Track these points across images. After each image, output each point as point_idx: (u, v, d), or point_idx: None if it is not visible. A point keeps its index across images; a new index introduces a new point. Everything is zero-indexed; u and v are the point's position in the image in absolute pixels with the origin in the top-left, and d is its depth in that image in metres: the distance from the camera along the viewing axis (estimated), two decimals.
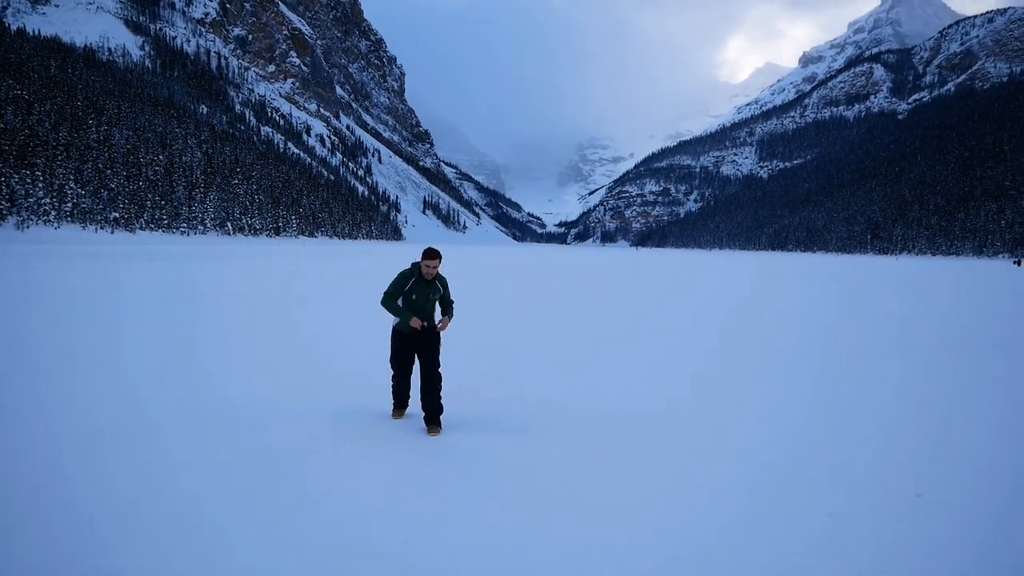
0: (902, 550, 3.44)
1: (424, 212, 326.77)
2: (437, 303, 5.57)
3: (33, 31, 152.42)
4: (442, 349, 5.56)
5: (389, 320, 5.75)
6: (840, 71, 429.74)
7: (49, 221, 60.02)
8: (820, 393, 7.17)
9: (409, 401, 5.80)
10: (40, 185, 59.62)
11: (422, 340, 5.42)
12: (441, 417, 5.41)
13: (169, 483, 4.07)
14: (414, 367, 5.57)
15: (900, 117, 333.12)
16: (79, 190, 65.28)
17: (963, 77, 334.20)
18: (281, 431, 5.18)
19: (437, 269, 5.38)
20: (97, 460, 4.38)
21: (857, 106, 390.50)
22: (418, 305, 5.36)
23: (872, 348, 10.32)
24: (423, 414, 5.44)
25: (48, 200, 60.30)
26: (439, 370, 5.44)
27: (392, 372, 5.61)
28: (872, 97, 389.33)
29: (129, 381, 6.80)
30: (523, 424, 5.61)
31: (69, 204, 63.37)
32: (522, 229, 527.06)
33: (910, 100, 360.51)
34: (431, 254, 5.33)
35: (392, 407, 5.78)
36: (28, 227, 56.43)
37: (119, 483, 4.02)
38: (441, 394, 5.41)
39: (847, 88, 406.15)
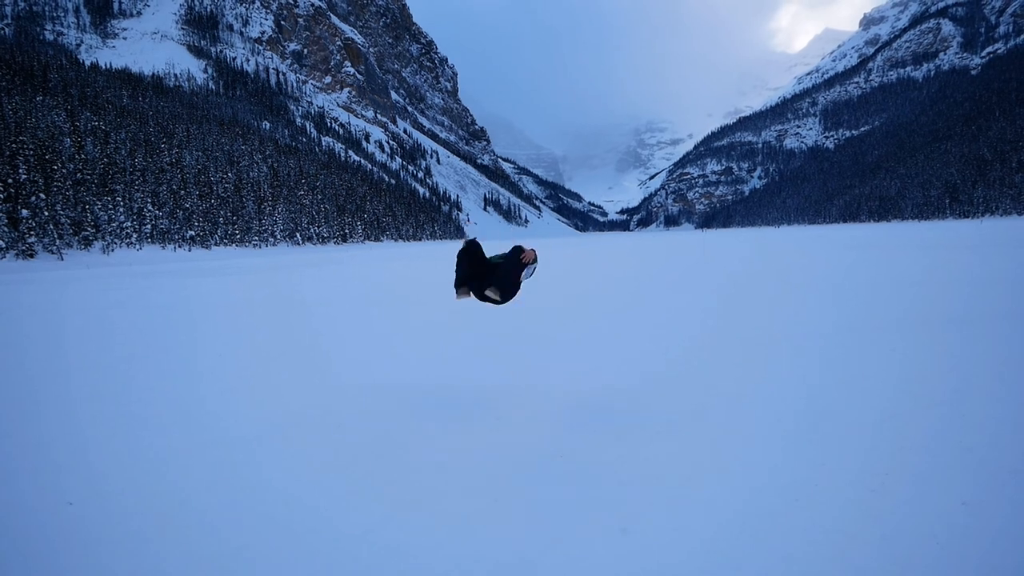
0: None
1: (485, 209, 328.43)
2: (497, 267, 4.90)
3: (105, 64, 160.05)
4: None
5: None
6: (905, 30, 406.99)
7: (132, 243, 62.92)
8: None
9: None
10: (121, 210, 62.54)
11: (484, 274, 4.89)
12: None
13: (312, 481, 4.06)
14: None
15: (973, 72, 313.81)
16: (156, 212, 68.25)
17: None
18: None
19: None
20: (243, 462, 4.38)
21: (926, 65, 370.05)
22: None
23: None
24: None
25: (129, 224, 63.19)
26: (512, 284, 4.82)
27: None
28: (942, 54, 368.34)
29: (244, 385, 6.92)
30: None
31: (148, 226, 66.31)
32: (584, 219, 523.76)
33: (983, 54, 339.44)
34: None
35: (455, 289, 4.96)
36: (113, 250, 59.30)
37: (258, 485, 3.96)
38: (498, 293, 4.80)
39: (914, 47, 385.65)
